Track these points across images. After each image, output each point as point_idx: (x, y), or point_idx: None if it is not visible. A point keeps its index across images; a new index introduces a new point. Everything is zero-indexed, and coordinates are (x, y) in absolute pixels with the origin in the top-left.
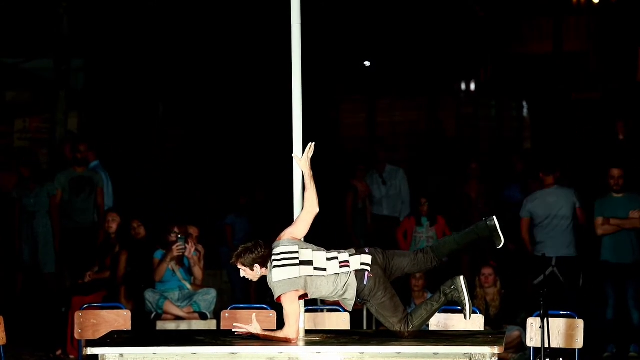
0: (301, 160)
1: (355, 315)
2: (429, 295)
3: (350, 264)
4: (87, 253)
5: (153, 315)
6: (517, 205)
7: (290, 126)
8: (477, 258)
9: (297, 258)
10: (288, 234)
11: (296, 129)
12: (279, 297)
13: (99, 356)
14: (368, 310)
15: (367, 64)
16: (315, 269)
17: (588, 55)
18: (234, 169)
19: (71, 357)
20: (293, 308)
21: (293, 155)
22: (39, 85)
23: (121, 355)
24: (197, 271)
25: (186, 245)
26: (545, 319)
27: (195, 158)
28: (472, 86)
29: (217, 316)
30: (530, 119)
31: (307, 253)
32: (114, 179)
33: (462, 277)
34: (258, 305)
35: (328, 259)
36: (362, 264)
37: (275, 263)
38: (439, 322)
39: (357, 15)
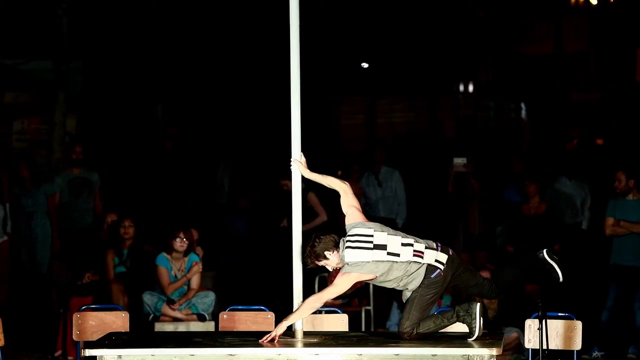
0: (300, 167)
1: (354, 317)
2: None
3: (425, 256)
4: (87, 254)
5: (151, 316)
6: (516, 207)
7: (289, 127)
8: (474, 262)
9: (372, 242)
10: (355, 217)
11: (295, 130)
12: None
13: (97, 357)
14: (366, 312)
15: (365, 65)
16: (389, 253)
17: (588, 56)
18: (234, 169)
19: (69, 358)
20: (342, 286)
21: (292, 160)
22: (37, 87)
23: (119, 356)
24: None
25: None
26: (544, 321)
27: (195, 158)
28: (471, 87)
29: (215, 318)
30: (529, 120)
31: (382, 236)
32: (113, 179)
33: (479, 304)
34: (256, 307)
35: (403, 245)
36: (436, 260)
37: (348, 244)
38: None
39: (357, 16)
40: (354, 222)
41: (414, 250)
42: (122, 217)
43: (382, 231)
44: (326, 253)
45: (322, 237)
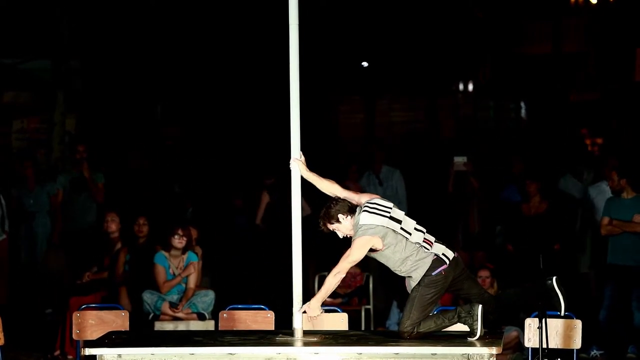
0: (300, 166)
1: (354, 316)
2: None
3: (433, 246)
4: (88, 253)
5: (151, 315)
6: (515, 206)
7: (288, 127)
8: (473, 261)
9: (389, 213)
10: (369, 195)
11: (294, 129)
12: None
13: (97, 357)
14: (366, 311)
15: (365, 64)
16: (402, 229)
17: (587, 56)
18: (232, 169)
19: (69, 357)
20: (358, 252)
21: (292, 159)
22: (37, 86)
23: (119, 355)
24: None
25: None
26: (543, 320)
27: (194, 157)
28: (471, 87)
29: (215, 317)
30: (528, 120)
31: (399, 213)
32: (112, 178)
33: (481, 306)
34: (256, 306)
35: (416, 229)
36: (443, 254)
37: (365, 209)
38: None
39: (356, 15)
40: (372, 197)
41: (425, 238)
42: (124, 216)
43: (400, 211)
44: (340, 216)
45: (339, 200)
